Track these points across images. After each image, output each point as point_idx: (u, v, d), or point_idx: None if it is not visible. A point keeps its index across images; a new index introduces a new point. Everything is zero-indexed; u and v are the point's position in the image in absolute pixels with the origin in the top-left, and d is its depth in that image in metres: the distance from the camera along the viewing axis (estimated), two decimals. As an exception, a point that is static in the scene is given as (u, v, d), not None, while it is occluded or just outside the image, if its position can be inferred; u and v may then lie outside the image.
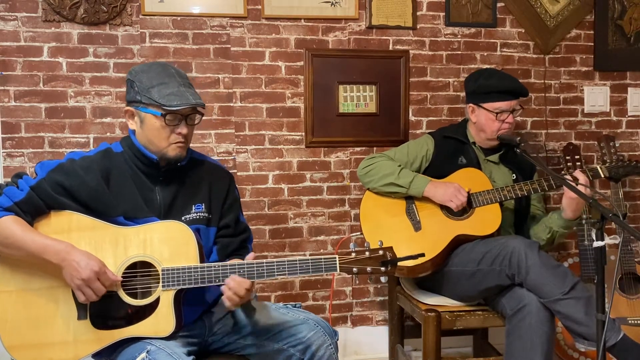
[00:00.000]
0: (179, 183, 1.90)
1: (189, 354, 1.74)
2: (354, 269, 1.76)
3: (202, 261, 1.79)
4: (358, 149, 3.05)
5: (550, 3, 3.15)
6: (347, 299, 3.09)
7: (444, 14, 3.07)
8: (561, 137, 3.23)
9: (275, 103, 2.97)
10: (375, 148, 3.05)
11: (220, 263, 1.78)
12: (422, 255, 1.84)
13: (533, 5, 3.13)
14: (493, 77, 2.58)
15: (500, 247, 2.29)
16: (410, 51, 3.06)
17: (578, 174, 2.41)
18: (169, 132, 1.81)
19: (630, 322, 2.69)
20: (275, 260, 1.78)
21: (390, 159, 2.60)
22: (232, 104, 2.93)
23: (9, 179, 1.83)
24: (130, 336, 1.73)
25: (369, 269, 1.76)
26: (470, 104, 2.62)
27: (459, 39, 3.10)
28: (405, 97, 3.06)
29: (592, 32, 3.20)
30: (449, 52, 3.10)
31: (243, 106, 2.94)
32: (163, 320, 1.74)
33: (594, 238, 1.67)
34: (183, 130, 1.82)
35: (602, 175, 2.49)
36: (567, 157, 2.72)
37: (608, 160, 2.58)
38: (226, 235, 1.97)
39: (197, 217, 1.90)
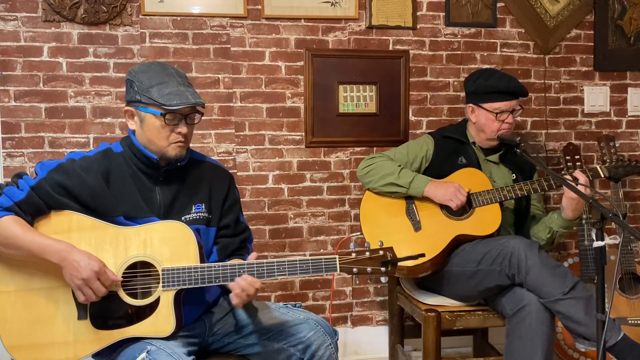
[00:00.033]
0: (179, 183, 1.90)
1: (189, 354, 1.74)
2: (354, 269, 1.76)
3: (202, 261, 1.79)
4: (358, 149, 3.05)
5: (550, 3, 3.15)
6: (347, 299, 3.09)
7: (444, 14, 3.07)
8: (561, 137, 3.23)
9: (275, 103, 2.97)
10: (375, 148, 3.05)
11: (220, 263, 1.78)
12: (423, 255, 1.84)
13: (533, 5, 3.13)
14: (493, 77, 2.58)
15: (500, 247, 2.29)
16: (410, 51, 3.06)
17: (578, 174, 2.41)
18: (168, 131, 1.81)
19: (630, 322, 2.69)
20: (275, 260, 1.78)
21: (390, 159, 2.60)
22: (232, 104, 2.93)
23: (9, 179, 1.83)
24: (130, 336, 1.73)
25: (369, 269, 1.76)
26: (470, 104, 2.62)
27: (459, 39, 3.10)
28: (405, 97, 3.06)
29: (592, 32, 3.20)
30: (449, 52, 3.10)
31: (243, 106, 2.95)
32: (163, 320, 1.74)
33: (594, 238, 1.66)
34: (183, 129, 1.82)
35: (602, 175, 2.50)
36: (567, 157, 2.72)
37: (608, 160, 2.58)
38: (226, 236, 1.97)
39: (197, 217, 1.90)
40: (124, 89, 2.30)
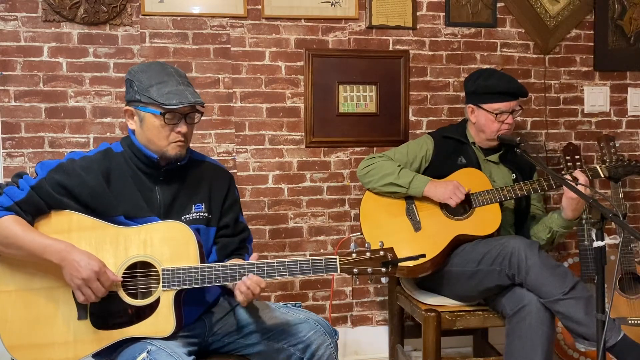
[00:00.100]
0: (179, 183, 1.90)
1: (189, 354, 1.74)
2: (355, 270, 1.76)
3: (202, 261, 1.79)
4: (358, 149, 3.05)
5: (550, 3, 3.15)
6: (347, 299, 3.09)
7: (444, 14, 3.07)
8: (561, 137, 3.23)
9: (275, 103, 2.97)
10: (375, 148, 3.05)
11: (220, 264, 1.78)
12: (423, 256, 1.84)
13: (533, 5, 3.13)
14: (492, 77, 2.58)
15: (500, 247, 2.29)
16: (410, 51, 3.06)
17: (578, 174, 2.41)
18: (168, 131, 1.81)
19: (630, 322, 2.69)
20: (275, 260, 1.78)
21: (389, 159, 2.60)
22: (232, 104, 2.93)
23: (9, 179, 1.83)
24: (130, 336, 1.73)
25: (369, 269, 1.76)
26: (470, 105, 2.62)
27: (459, 39, 3.10)
28: (405, 97, 3.06)
29: (592, 32, 3.20)
30: (449, 52, 3.10)
31: (243, 106, 2.95)
32: (163, 320, 1.73)
33: (594, 238, 1.66)
34: (182, 128, 1.82)
35: (602, 175, 2.50)
36: (567, 157, 2.72)
37: (608, 160, 2.58)
38: (225, 235, 1.97)
39: (197, 217, 1.90)
40: (124, 89, 2.30)
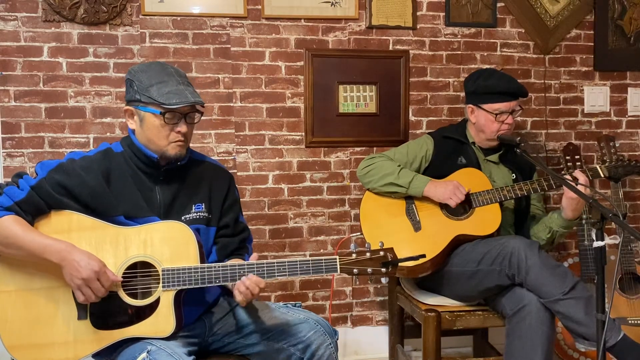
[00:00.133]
0: (179, 183, 1.90)
1: (189, 354, 1.74)
2: (355, 270, 1.76)
3: (202, 261, 1.79)
4: (358, 149, 3.05)
5: (550, 3, 3.15)
6: (347, 299, 3.09)
7: (444, 14, 3.07)
8: (561, 137, 3.23)
9: (275, 103, 2.97)
10: (375, 148, 3.05)
11: (220, 264, 1.78)
12: (423, 256, 1.84)
13: (533, 5, 3.13)
14: (492, 77, 2.58)
15: (500, 247, 2.29)
16: (410, 51, 3.06)
17: (578, 174, 2.41)
18: (168, 130, 1.81)
19: (630, 322, 2.69)
20: (275, 261, 1.78)
21: (389, 159, 2.60)
22: (232, 104, 2.93)
23: (9, 179, 1.83)
24: (130, 336, 1.73)
25: (369, 270, 1.76)
26: (470, 105, 2.62)
27: (459, 39, 3.10)
28: (405, 97, 3.06)
29: (592, 32, 3.20)
30: (449, 52, 3.10)
31: (243, 106, 2.95)
32: (163, 320, 1.74)
33: (594, 238, 1.66)
34: (182, 128, 1.82)
35: (602, 175, 2.50)
36: (567, 157, 2.72)
37: (608, 160, 2.58)
38: (225, 235, 1.97)
39: (197, 217, 1.90)
40: (124, 89, 2.30)
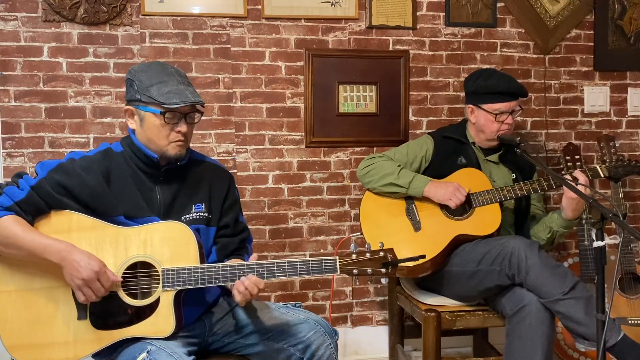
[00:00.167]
0: (179, 183, 1.90)
1: (189, 354, 1.74)
2: (355, 271, 1.76)
3: (202, 261, 1.79)
4: (358, 149, 3.05)
5: (550, 3, 3.15)
6: (347, 299, 3.09)
7: (444, 14, 3.07)
8: (561, 137, 3.23)
9: (275, 103, 2.97)
10: (375, 148, 3.05)
11: (220, 264, 1.78)
12: (423, 256, 1.84)
13: (533, 5, 3.13)
14: (492, 77, 2.58)
15: (500, 247, 2.29)
16: (410, 51, 3.06)
17: (578, 174, 2.41)
18: (168, 130, 1.81)
19: (630, 322, 2.69)
20: (275, 261, 1.78)
21: (389, 159, 2.60)
22: (232, 104, 2.93)
23: (9, 179, 1.83)
24: (130, 336, 1.73)
25: (369, 270, 1.76)
26: (470, 105, 2.62)
27: (459, 39, 3.10)
28: (405, 97, 3.06)
29: (592, 32, 3.20)
30: (449, 52, 3.10)
31: (243, 106, 2.94)
32: (163, 320, 1.74)
33: (594, 238, 1.66)
34: (182, 128, 1.82)
35: (602, 175, 2.50)
36: (567, 157, 2.72)
37: (608, 160, 2.58)
38: (225, 235, 1.97)
39: (197, 217, 1.90)
40: (124, 89, 2.30)
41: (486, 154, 2.64)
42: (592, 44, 3.21)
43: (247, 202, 2.94)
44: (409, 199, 2.55)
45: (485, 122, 2.56)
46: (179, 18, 2.85)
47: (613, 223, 2.04)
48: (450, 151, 2.62)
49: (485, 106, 2.55)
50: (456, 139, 2.64)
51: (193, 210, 1.89)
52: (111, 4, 2.76)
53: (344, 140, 3.03)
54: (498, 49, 3.14)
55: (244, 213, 2.14)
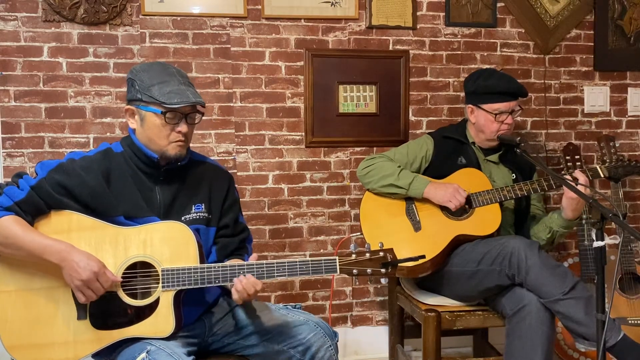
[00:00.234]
0: (179, 183, 1.90)
1: (188, 354, 1.74)
2: (354, 271, 1.76)
3: (202, 261, 1.79)
4: (358, 149, 3.05)
5: (550, 3, 3.15)
6: (347, 299, 3.09)
7: (444, 14, 3.07)
8: (561, 137, 3.23)
9: (275, 103, 2.97)
10: (375, 148, 3.05)
11: (220, 264, 1.78)
12: (423, 257, 1.84)
13: (533, 5, 3.13)
14: (492, 77, 2.58)
15: (500, 247, 2.29)
16: (410, 51, 3.06)
17: (578, 174, 2.41)
18: (169, 130, 1.81)
19: (630, 322, 2.69)
20: (275, 261, 1.78)
21: (389, 159, 2.60)
22: (232, 104, 2.93)
23: (9, 179, 1.83)
24: (130, 336, 1.73)
25: (369, 270, 1.76)
26: (470, 105, 2.62)
27: (459, 39, 3.10)
28: (405, 97, 3.06)
29: (592, 32, 3.20)
30: (449, 52, 3.10)
31: (243, 106, 2.94)
32: (163, 320, 1.74)
33: (594, 238, 1.66)
34: (183, 128, 1.82)
35: (602, 175, 2.50)
36: (567, 157, 2.72)
37: (608, 160, 2.58)
38: (225, 235, 1.97)
39: (197, 217, 1.90)
40: (124, 89, 2.30)
41: (486, 154, 2.64)
42: (592, 44, 3.21)
43: (247, 202, 2.94)
44: (409, 199, 2.55)
45: (485, 122, 2.56)
46: (179, 18, 2.85)
47: (613, 223, 2.04)
48: (450, 151, 2.62)
49: (485, 106, 2.55)
50: (456, 139, 2.64)
51: (193, 211, 1.89)
52: (111, 4, 2.77)
53: (344, 140, 3.03)
54: (498, 49, 3.14)
55: (244, 213, 2.14)
